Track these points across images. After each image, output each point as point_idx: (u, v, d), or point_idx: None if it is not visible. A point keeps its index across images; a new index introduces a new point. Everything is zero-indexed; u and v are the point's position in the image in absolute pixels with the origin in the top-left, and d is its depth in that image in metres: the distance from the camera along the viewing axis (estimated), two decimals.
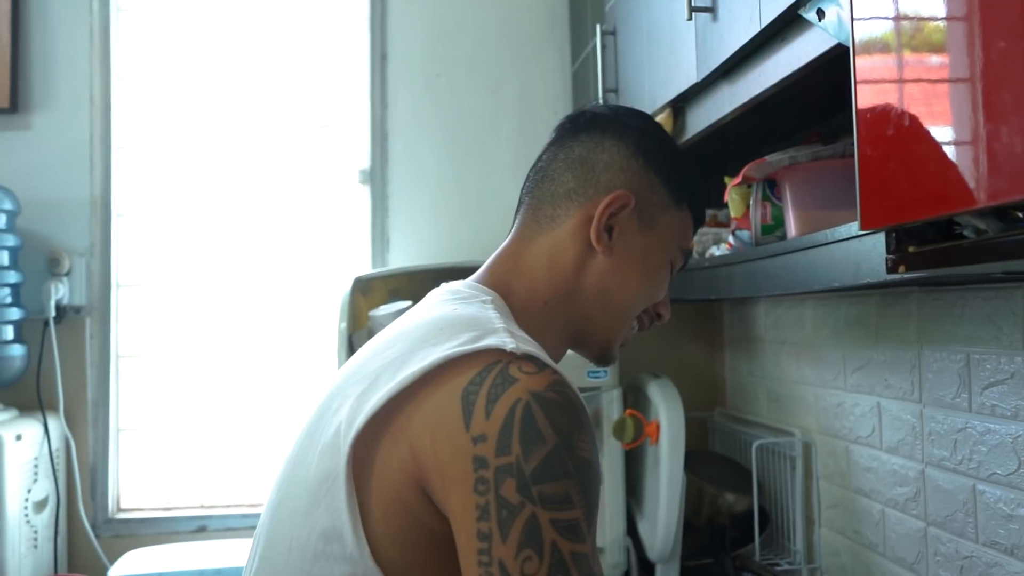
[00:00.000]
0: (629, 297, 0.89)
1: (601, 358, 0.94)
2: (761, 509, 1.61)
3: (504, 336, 0.72)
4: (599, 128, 0.91)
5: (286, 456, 0.82)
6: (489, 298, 0.84)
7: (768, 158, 1.20)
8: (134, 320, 2.15)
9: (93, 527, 2.02)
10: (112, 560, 1.88)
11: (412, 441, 0.69)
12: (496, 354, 0.70)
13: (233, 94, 2.20)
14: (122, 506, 2.12)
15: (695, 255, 1.60)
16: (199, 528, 2.08)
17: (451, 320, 0.77)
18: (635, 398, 1.83)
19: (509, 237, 0.92)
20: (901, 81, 0.67)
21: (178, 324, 2.16)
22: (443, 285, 0.90)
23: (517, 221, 0.92)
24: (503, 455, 0.65)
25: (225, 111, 2.19)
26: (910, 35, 0.66)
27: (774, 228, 1.27)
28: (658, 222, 0.90)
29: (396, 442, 0.70)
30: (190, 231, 2.17)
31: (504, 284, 0.87)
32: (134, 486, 2.13)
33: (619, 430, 1.63)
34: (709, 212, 1.60)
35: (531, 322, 0.85)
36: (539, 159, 0.93)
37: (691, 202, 0.93)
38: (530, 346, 0.72)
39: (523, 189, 0.94)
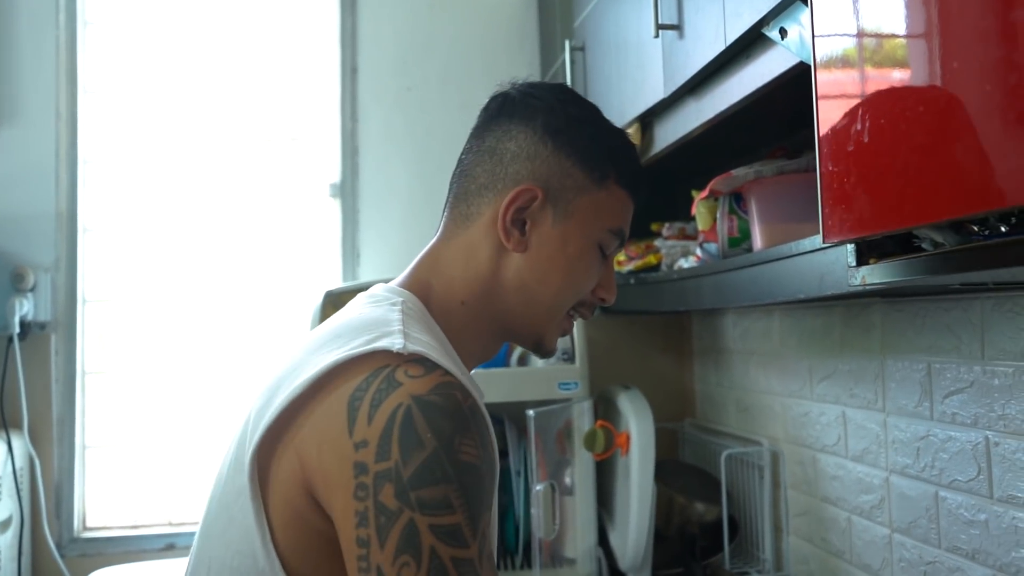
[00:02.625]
0: (551, 292, 0.86)
1: (538, 351, 0.91)
2: (730, 518, 1.63)
3: (396, 338, 0.71)
4: (506, 114, 0.87)
5: (215, 474, 0.82)
6: (401, 299, 0.82)
7: (734, 172, 1.22)
8: (100, 336, 2.12)
9: (58, 546, 1.99)
10: None
11: (300, 449, 0.69)
12: (384, 357, 0.69)
13: (202, 108, 2.18)
14: (88, 524, 2.08)
15: (664, 268, 1.62)
16: (167, 546, 2.05)
17: (350, 325, 0.77)
18: (606, 409, 1.84)
19: (434, 236, 0.90)
20: (861, 97, 0.69)
21: (145, 339, 2.14)
22: (370, 288, 0.89)
23: (442, 219, 0.90)
24: (382, 461, 0.64)
25: (194, 125, 2.18)
26: (869, 53, 0.69)
27: (741, 240, 1.29)
28: (576, 208, 0.85)
29: (287, 452, 0.70)
30: (158, 246, 2.15)
31: (423, 285, 0.86)
32: (101, 504, 2.09)
33: (590, 441, 1.64)
34: (677, 225, 1.63)
35: (451, 322, 0.84)
36: (462, 152, 0.91)
37: (619, 177, 0.87)
38: (424, 347, 0.71)
39: (449, 184, 0.92)
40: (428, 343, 0.74)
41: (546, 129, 0.85)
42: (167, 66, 2.18)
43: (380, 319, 0.76)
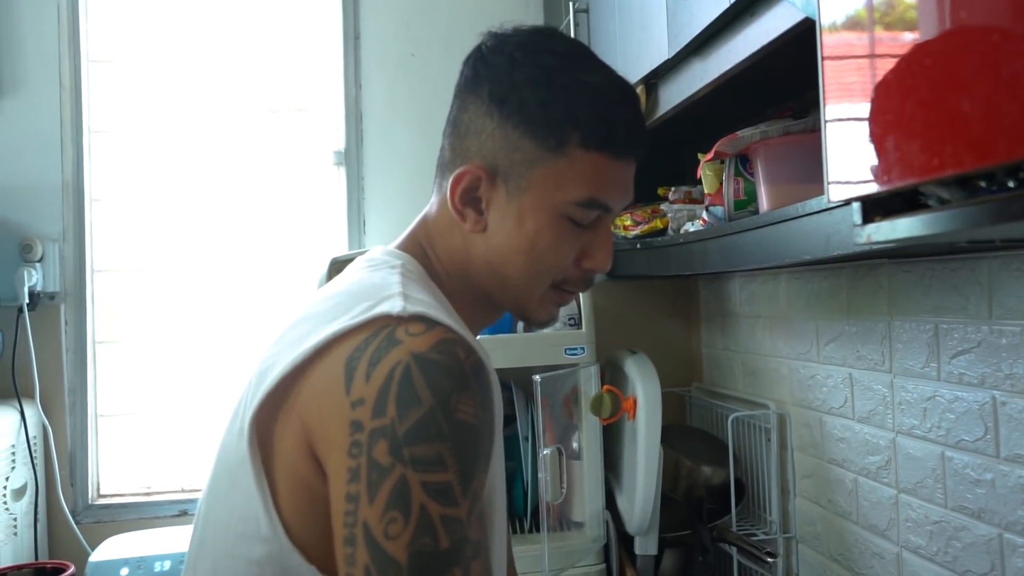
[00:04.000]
0: (517, 271, 0.82)
1: (528, 324, 0.90)
2: (737, 481, 1.64)
3: (397, 300, 0.70)
4: (463, 80, 0.83)
5: (220, 439, 0.82)
6: (400, 263, 0.81)
7: (740, 133, 1.21)
8: (110, 306, 2.14)
9: (73, 513, 2.02)
10: (93, 546, 1.88)
11: (302, 413, 0.69)
12: (385, 320, 0.68)
13: (207, 77, 2.17)
14: (102, 492, 2.11)
15: (670, 232, 1.61)
16: (180, 512, 2.08)
17: (351, 292, 0.76)
18: (613, 374, 1.84)
19: (428, 202, 0.89)
20: (867, 53, 0.68)
21: (155, 309, 2.15)
22: (368, 251, 0.88)
23: (434, 185, 0.88)
24: (378, 417, 0.63)
25: (199, 94, 2.17)
26: (876, 9, 0.67)
27: (747, 203, 1.28)
28: (529, 183, 0.79)
29: (290, 417, 0.69)
30: (166, 215, 2.16)
31: (420, 248, 0.86)
32: (114, 472, 2.12)
33: (597, 406, 1.64)
34: (683, 189, 1.62)
35: (445, 288, 0.84)
36: None
37: (585, 139, 0.78)
38: (425, 307, 0.70)
39: None
40: (429, 303, 0.73)
41: (492, 99, 0.80)
42: (172, 35, 2.17)
43: (380, 284, 0.76)
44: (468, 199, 0.82)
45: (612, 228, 1.88)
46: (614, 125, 0.80)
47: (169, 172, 2.16)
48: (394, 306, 0.70)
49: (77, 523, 2.01)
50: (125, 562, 1.76)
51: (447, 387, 0.65)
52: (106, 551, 1.81)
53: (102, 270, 2.13)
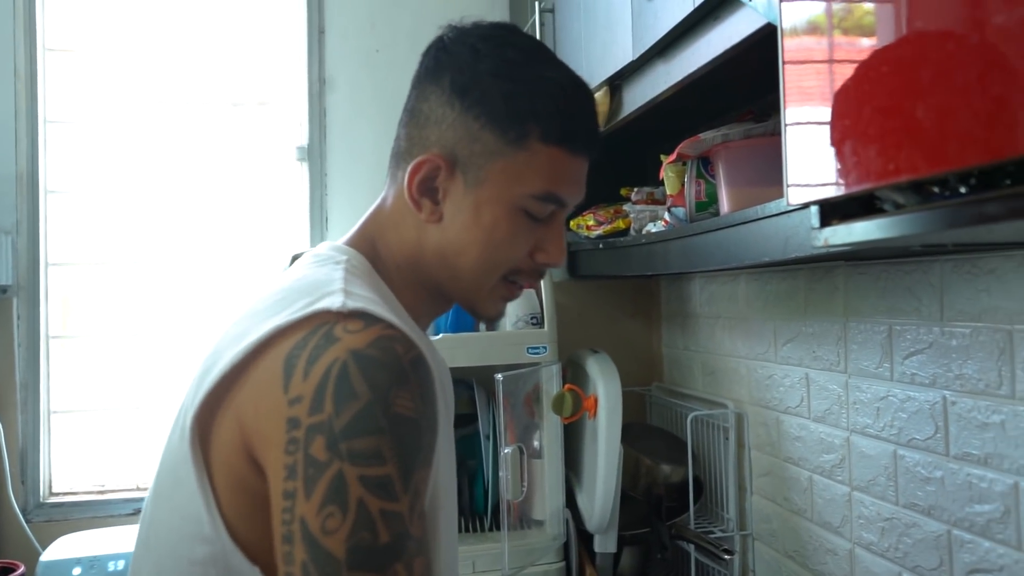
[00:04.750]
0: (470, 263, 0.81)
1: (477, 318, 0.88)
2: (696, 479, 1.66)
3: (338, 297, 0.70)
4: (423, 70, 0.83)
5: (165, 439, 0.80)
6: (345, 258, 0.81)
7: (702, 135, 1.22)
8: (65, 300, 2.09)
9: (24, 512, 1.97)
10: (45, 545, 1.84)
11: (239, 412, 0.68)
12: (324, 316, 0.68)
13: (168, 68, 2.14)
14: (54, 490, 2.07)
15: (632, 232, 1.63)
16: (135, 511, 2.04)
17: (293, 288, 0.75)
18: (574, 373, 1.85)
19: (380, 194, 0.88)
20: (826, 59, 0.70)
21: (111, 304, 2.11)
22: (317, 246, 0.87)
23: (387, 177, 0.88)
24: (316, 414, 0.63)
25: (159, 86, 2.13)
26: (836, 14, 0.69)
27: (708, 205, 1.30)
28: (488, 174, 0.79)
29: (227, 416, 0.69)
30: (124, 209, 2.12)
31: (369, 242, 0.85)
32: (66, 469, 2.08)
33: (558, 405, 1.65)
34: (646, 190, 1.63)
35: (394, 282, 0.84)
36: None
37: (545, 134, 0.78)
38: (366, 302, 0.70)
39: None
40: (371, 298, 0.73)
41: (453, 89, 0.79)
42: (132, 25, 2.13)
43: (322, 280, 0.75)
44: (425, 189, 0.81)
45: (575, 228, 1.90)
46: (574, 121, 0.80)
47: (128, 165, 2.12)
48: (334, 302, 0.69)
49: (28, 522, 1.97)
50: (77, 561, 1.73)
51: (385, 382, 0.64)
52: (58, 550, 1.77)
53: (57, 263, 2.08)
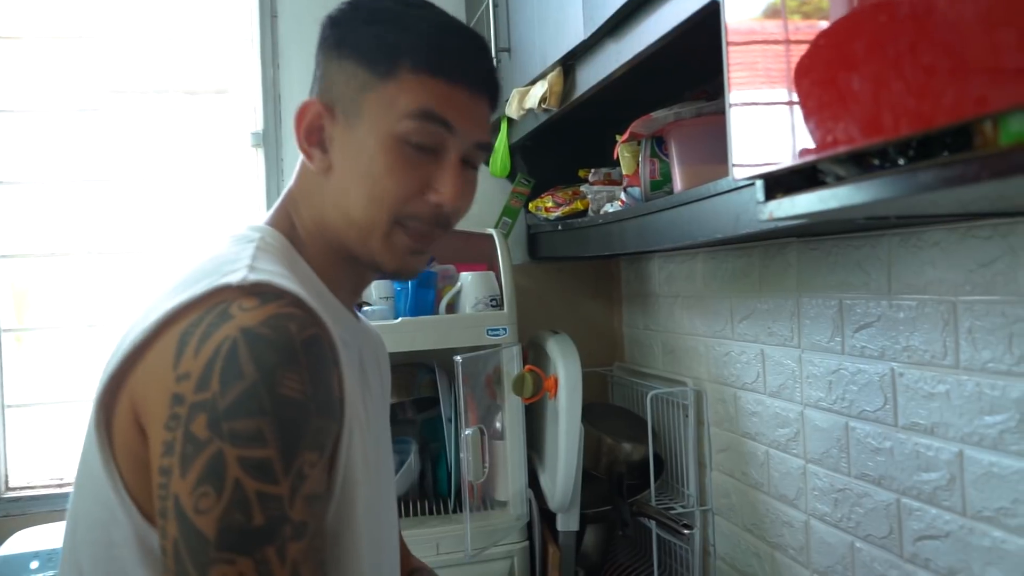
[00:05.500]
0: (360, 203, 0.80)
1: (385, 275, 0.87)
2: (656, 456, 1.67)
3: (241, 273, 0.69)
4: (319, 36, 0.85)
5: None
6: (258, 235, 0.81)
7: (653, 115, 1.23)
8: (18, 292, 2.05)
9: None
10: (2, 540, 1.81)
11: (133, 391, 0.68)
12: (224, 293, 0.68)
13: (119, 56, 2.09)
14: (11, 484, 2.03)
15: (591, 213, 1.63)
16: None
17: (200, 267, 0.75)
18: (535, 354, 1.86)
19: None
20: (767, 40, 0.70)
21: (66, 295, 2.07)
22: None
23: None
24: (201, 392, 0.62)
25: (111, 73, 2.09)
26: None
27: (662, 184, 1.31)
28: (363, 109, 0.80)
29: (123, 397, 0.68)
30: (76, 199, 2.07)
31: (286, 218, 0.86)
32: (23, 463, 2.04)
33: (518, 386, 1.66)
34: (603, 171, 1.64)
35: (309, 255, 0.84)
36: None
37: (414, 63, 0.79)
38: (271, 276, 0.70)
39: None
40: (279, 272, 0.72)
41: (332, 43, 0.83)
42: (82, 12, 2.07)
43: (230, 258, 0.74)
44: (315, 140, 0.83)
45: (534, 211, 1.90)
46: (444, 51, 0.80)
47: (80, 154, 2.08)
48: (234, 278, 0.68)
49: None
50: (35, 555, 1.70)
51: (272, 361, 0.63)
52: (15, 545, 1.74)
53: (8, 255, 2.04)
